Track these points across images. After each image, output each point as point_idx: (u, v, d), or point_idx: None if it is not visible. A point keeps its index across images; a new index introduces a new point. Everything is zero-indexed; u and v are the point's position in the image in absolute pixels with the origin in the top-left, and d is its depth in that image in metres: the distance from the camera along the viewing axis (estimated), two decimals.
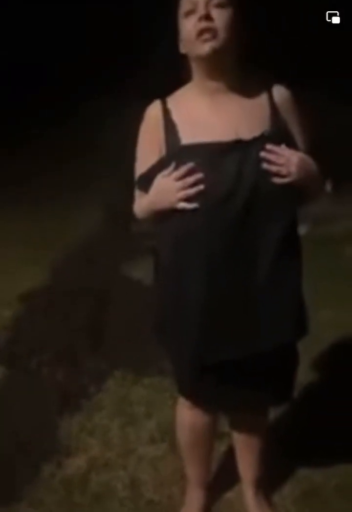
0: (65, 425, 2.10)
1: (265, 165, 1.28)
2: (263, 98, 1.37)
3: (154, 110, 1.40)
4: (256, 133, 1.30)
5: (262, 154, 1.28)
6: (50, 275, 3.38)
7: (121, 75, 5.55)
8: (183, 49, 1.37)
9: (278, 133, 1.33)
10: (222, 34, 1.28)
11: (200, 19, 1.28)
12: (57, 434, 2.06)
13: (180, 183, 1.29)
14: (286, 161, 1.29)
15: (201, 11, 1.28)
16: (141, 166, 1.42)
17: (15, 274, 3.34)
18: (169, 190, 1.31)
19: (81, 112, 5.77)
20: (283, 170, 1.29)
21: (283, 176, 1.29)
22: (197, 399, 1.55)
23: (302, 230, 4.06)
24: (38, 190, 4.70)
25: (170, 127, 1.35)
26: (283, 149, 1.30)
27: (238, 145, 1.29)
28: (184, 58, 1.37)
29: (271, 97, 1.37)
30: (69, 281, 3.26)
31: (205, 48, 1.29)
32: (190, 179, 1.28)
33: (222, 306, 1.34)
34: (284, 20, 5.41)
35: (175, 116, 1.36)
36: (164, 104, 1.39)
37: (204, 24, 1.27)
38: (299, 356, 1.53)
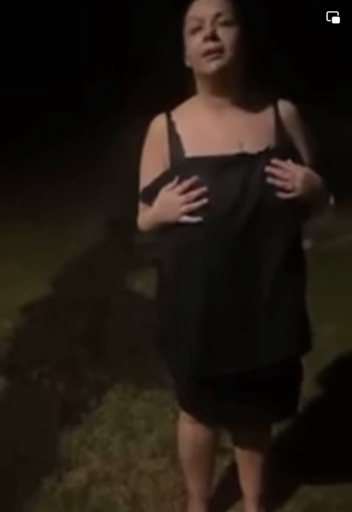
0: (65, 438, 2.09)
1: (270, 180, 1.28)
2: (268, 112, 1.37)
3: (158, 123, 1.41)
4: (261, 147, 1.31)
5: (268, 168, 1.28)
6: (51, 286, 3.37)
7: (126, 88, 5.59)
8: (188, 63, 1.37)
9: (283, 148, 1.33)
10: (228, 53, 1.29)
11: (206, 39, 1.28)
12: (57, 447, 2.04)
13: (183, 197, 1.29)
14: (291, 176, 1.29)
15: (207, 30, 1.28)
16: (145, 179, 1.43)
17: (16, 285, 3.33)
18: (172, 204, 1.32)
19: (85, 124, 5.80)
20: (288, 185, 1.29)
21: (288, 191, 1.29)
22: (198, 414, 1.54)
23: (306, 245, 4.06)
24: (39, 202, 4.71)
25: (174, 140, 1.36)
26: (288, 164, 1.30)
27: (243, 158, 1.29)
28: (189, 71, 1.38)
29: (276, 112, 1.37)
30: (70, 292, 3.26)
31: (211, 66, 1.29)
32: (194, 193, 1.28)
33: (223, 320, 1.33)
34: (284, 25, 5.42)
35: (180, 129, 1.37)
36: (168, 117, 1.40)
37: (210, 44, 1.28)
38: (303, 371, 1.52)
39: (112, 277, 3.46)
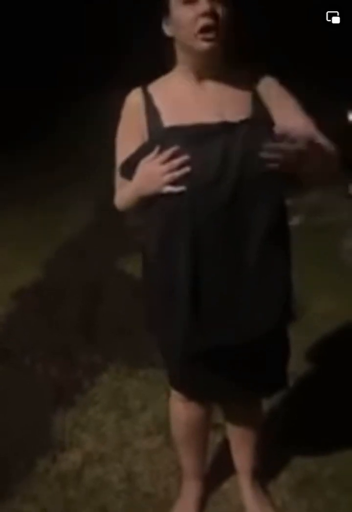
0: (59, 420, 2.09)
1: (256, 150, 1.21)
2: (246, 84, 1.34)
3: (134, 97, 1.37)
4: (241, 117, 1.27)
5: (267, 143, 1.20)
6: (43, 271, 3.36)
7: (110, 70, 5.52)
8: (171, 33, 1.32)
9: (262, 118, 1.30)
10: (221, 32, 1.25)
11: (204, 14, 1.22)
12: (52, 429, 2.05)
13: (165, 167, 1.25)
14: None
15: (205, 5, 1.22)
16: (123, 154, 1.38)
17: (7, 271, 3.32)
18: (154, 174, 1.28)
19: (72, 109, 5.75)
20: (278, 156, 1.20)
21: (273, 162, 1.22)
22: (189, 391, 1.54)
23: (295, 221, 4.08)
24: (28, 189, 4.67)
25: (152, 111, 1.32)
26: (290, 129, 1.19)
27: (223, 127, 1.26)
28: (168, 40, 1.32)
29: (255, 84, 1.34)
30: (62, 276, 3.25)
31: (204, 45, 1.25)
32: (176, 161, 1.24)
33: (209, 293, 1.31)
34: (284, 20, 5.37)
35: (157, 101, 1.33)
36: (145, 90, 1.36)
37: (208, 21, 1.22)
38: (290, 344, 1.53)
39: (103, 260, 3.45)
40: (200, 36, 1.24)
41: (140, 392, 2.22)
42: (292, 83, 1.41)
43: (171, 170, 1.25)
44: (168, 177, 1.26)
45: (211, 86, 1.33)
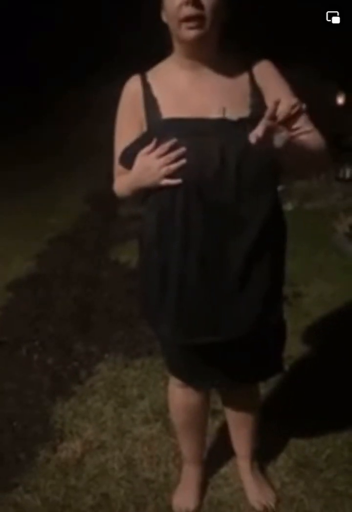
0: (58, 410, 2.10)
1: (252, 144, 1.19)
2: (243, 72, 1.33)
3: (133, 85, 1.36)
4: (241, 112, 1.27)
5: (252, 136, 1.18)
6: (38, 263, 3.37)
7: (96, 63, 5.47)
8: (165, 19, 1.31)
9: (261, 113, 1.26)
10: (209, 21, 1.23)
11: (186, 3, 1.20)
12: (51, 419, 2.06)
13: (162, 160, 1.26)
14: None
15: None
16: (122, 142, 1.38)
17: (2, 263, 3.32)
18: (151, 168, 1.28)
19: (62, 100, 5.71)
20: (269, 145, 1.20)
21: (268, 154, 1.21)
22: (186, 377, 1.55)
23: (288, 207, 4.09)
24: (21, 180, 4.65)
25: (150, 102, 1.32)
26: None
27: (222, 124, 1.26)
28: (165, 26, 1.31)
29: (252, 74, 1.33)
30: (57, 267, 3.25)
31: (190, 34, 1.24)
32: (173, 154, 1.25)
33: (203, 285, 1.32)
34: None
35: (156, 91, 1.32)
36: (144, 78, 1.35)
37: (191, 10, 1.21)
38: (286, 329, 1.54)
39: (96, 250, 3.45)
40: (184, 24, 1.23)
41: (137, 380, 2.23)
42: (284, 66, 1.41)
43: (167, 163, 1.26)
44: (164, 170, 1.26)
45: (208, 76, 1.32)
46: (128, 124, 1.36)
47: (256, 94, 1.31)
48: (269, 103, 1.22)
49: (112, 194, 1.50)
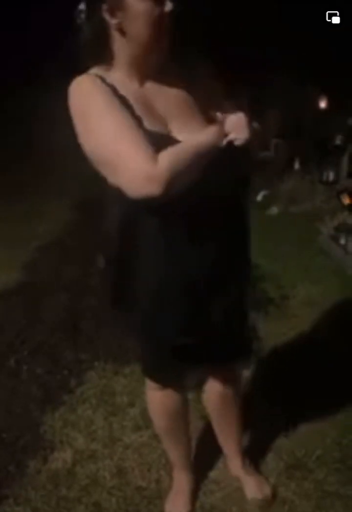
0: (48, 420, 2.09)
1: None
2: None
3: (93, 79, 1.21)
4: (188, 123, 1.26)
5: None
6: (25, 271, 3.34)
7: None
8: (114, 21, 1.19)
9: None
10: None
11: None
12: (41, 429, 2.05)
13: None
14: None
15: None
16: (116, 123, 1.16)
17: None
18: (243, 125, 1.25)
19: (26, 101, 5.67)
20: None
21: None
22: (162, 378, 1.56)
23: (273, 210, 4.12)
24: (3, 190, 4.61)
25: (121, 99, 1.20)
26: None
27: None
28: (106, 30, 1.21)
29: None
30: (45, 275, 3.23)
31: (168, 5, 1.17)
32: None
33: (185, 288, 1.34)
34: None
35: (123, 92, 1.21)
36: (102, 79, 1.21)
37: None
38: (248, 313, 1.57)
39: (84, 257, 3.43)
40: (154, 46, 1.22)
41: (127, 388, 2.23)
42: (266, 70, 1.42)
43: None
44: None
45: (154, 87, 1.27)
46: (115, 105, 1.18)
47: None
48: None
49: (95, 201, 1.48)
